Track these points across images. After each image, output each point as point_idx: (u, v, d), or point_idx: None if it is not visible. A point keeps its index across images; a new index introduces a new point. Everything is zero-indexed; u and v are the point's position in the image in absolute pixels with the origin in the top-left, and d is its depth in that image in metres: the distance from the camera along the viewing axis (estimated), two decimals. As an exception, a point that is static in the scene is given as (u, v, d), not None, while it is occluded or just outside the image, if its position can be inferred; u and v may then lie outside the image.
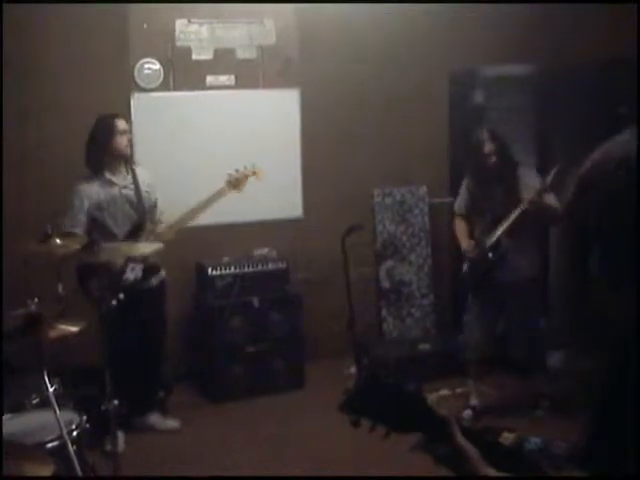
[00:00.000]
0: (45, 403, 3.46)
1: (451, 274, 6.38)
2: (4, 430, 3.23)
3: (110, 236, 4.49)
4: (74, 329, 2.91)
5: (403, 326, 6.27)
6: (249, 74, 5.76)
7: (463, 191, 4.94)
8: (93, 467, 3.39)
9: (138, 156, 5.35)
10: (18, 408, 3.45)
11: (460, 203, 4.97)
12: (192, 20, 5.60)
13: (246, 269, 5.45)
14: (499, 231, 4.60)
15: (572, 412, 4.77)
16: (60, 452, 3.11)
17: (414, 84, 6.07)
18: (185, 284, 5.48)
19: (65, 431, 2.96)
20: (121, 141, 4.61)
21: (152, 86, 5.55)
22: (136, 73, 5.51)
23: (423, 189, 6.29)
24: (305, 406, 5.25)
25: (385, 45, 5.98)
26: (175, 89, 5.61)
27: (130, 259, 4.40)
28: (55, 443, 3.15)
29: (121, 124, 4.65)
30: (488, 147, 4.60)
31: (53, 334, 2.85)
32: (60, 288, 3.43)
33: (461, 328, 5.89)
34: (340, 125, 5.99)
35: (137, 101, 5.52)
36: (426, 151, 6.22)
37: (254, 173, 4.77)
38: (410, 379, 5.57)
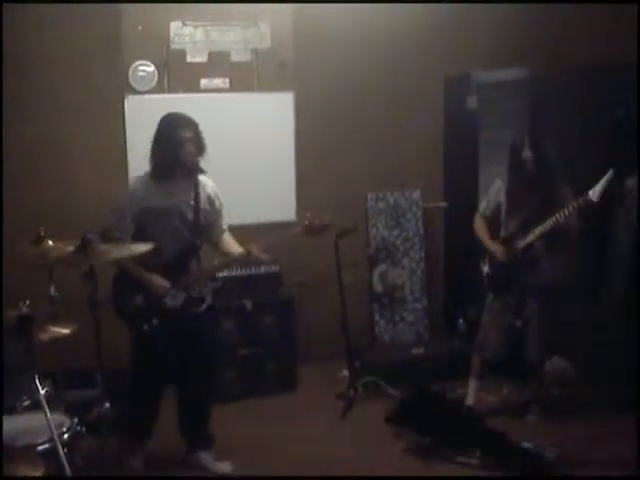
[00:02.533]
0: (36, 405, 3.45)
1: (445, 278, 6.40)
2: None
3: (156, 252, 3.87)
4: (65, 331, 2.90)
5: (395, 330, 6.27)
6: (244, 77, 5.75)
7: (493, 192, 4.93)
8: (83, 470, 3.37)
9: (131, 159, 5.41)
10: (9, 410, 3.44)
11: (486, 205, 4.95)
12: (187, 23, 5.59)
13: (239, 272, 5.45)
14: (533, 235, 4.61)
15: (564, 418, 4.84)
16: (51, 455, 3.10)
17: (409, 88, 6.08)
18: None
19: (56, 433, 2.95)
20: (187, 149, 4.08)
21: (146, 88, 5.53)
22: (130, 75, 5.50)
23: (417, 193, 6.30)
24: (297, 409, 5.26)
25: (380, 49, 5.98)
26: (169, 91, 5.59)
27: (174, 285, 4.13)
28: (46, 446, 3.14)
29: (188, 131, 4.11)
30: (528, 152, 4.59)
31: (44, 336, 2.85)
32: (52, 290, 3.42)
33: (454, 332, 5.94)
34: (334, 128, 6.00)
35: (131, 103, 5.50)
36: (420, 155, 6.23)
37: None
38: (403, 383, 5.63)
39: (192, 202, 4.21)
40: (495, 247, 4.82)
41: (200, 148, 4.16)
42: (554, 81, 5.75)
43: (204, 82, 5.70)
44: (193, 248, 4.25)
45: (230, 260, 4.40)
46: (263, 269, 5.52)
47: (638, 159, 5.17)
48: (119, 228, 4.03)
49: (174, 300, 4.15)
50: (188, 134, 4.10)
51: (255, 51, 5.76)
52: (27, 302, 2.88)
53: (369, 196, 6.21)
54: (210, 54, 5.67)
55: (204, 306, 4.27)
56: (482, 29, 6.05)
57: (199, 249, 4.29)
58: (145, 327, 4.04)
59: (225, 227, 4.43)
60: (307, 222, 4.22)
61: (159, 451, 4.49)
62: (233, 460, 4.45)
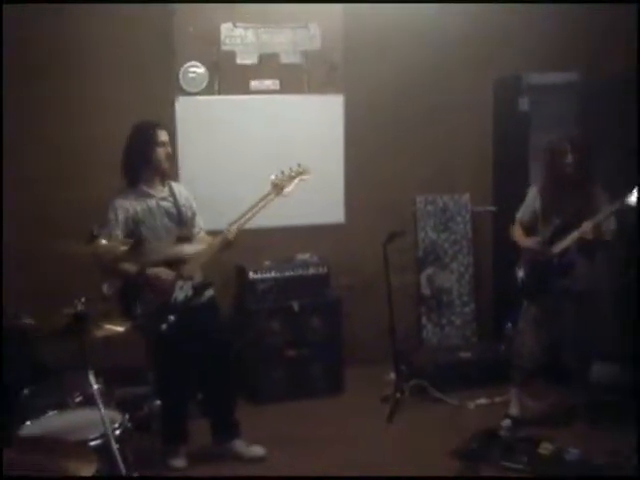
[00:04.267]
0: (88, 401, 3.50)
1: (493, 282, 6.34)
2: (47, 426, 3.28)
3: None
4: (120, 329, 2.94)
5: (443, 334, 6.23)
6: (294, 79, 5.77)
7: (530, 198, 4.87)
8: (133, 467, 3.40)
9: (182, 160, 5.47)
10: (61, 406, 3.49)
11: (525, 210, 4.89)
12: (237, 24, 5.62)
13: (287, 273, 5.46)
14: (569, 239, 4.54)
15: (611, 424, 4.75)
16: (103, 450, 3.13)
17: (458, 90, 6.05)
18: (224, 287, 5.44)
19: (110, 429, 2.97)
20: (161, 153, 4.31)
21: (197, 90, 5.59)
22: (181, 77, 5.55)
23: (466, 197, 6.26)
24: (343, 411, 5.24)
25: (430, 51, 5.96)
26: (220, 93, 5.64)
27: (178, 277, 4.20)
28: (98, 441, 3.17)
29: (162, 135, 4.35)
30: (569, 156, 4.54)
31: (99, 333, 2.88)
32: (105, 288, 3.47)
33: (502, 337, 5.86)
34: (384, 131, 5.98)
35: (182, 105, 5.55)
36: (469, 159, 6.19)
37: (300, 173, 4.52)
38: (449, 387, 5.56)
39: (170, 198, 4.39)
40: (529, 241, 4.76)
41: (171, 152, 4.42)
42: (601, 86, 5.67)
43: (254, 84, 5.72)
44: (185, 238, 4.36)
45: (217, 242, 4.38)
46: (311, 270, 5.53)
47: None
48: (110, 238, 4.04)
49: (182, 292, 4.23)
50: (161, 137, 4.32)
51: (305, 53, 5.77)
52: (82, 300, 2.92)
53: (418, 199, 6.18)
54: (260, 56, 5.69)
55: (210, 292, 4.40)
56: (531, 32, 6.00)
57: (190, 239, 4.40)
58: (164, 327, 4.03)
59: (200, 229, 4.55)
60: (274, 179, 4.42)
61: (199, 447, 4.59)
62: (280, 458, 4.47)
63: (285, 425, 4.98)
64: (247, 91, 5.70)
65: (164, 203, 4.38)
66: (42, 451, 2.85)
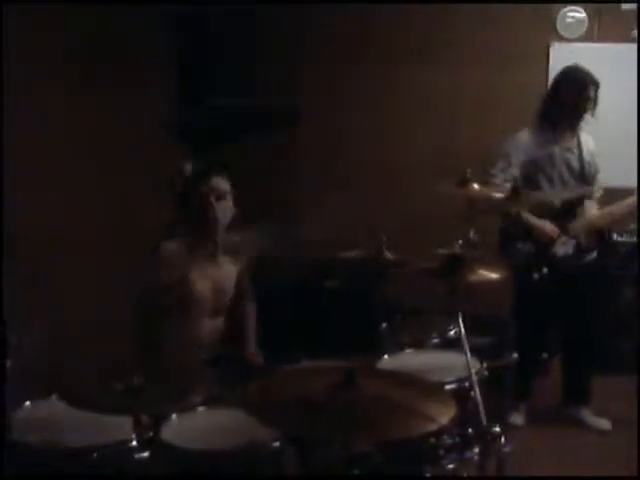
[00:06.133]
0: (445, 344, 3.49)
1: None
2: (404, 363, 3.31)
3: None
4: (495, 276, 2.86)
5: None
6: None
7: None
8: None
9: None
10: (418, 345, 3.51)
11: None
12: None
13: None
14: None
15: None
16: (457, 396, 3.09)
17: None
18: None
19: (473, 373, 2.92)
20: (587, 106, 4.16)
21: (574, 36, 5.31)
22: (558, 21, 5.29)
23: None
24: None
25: None
26: (598, 40, 5.28)
27: (563, 232, 4.15)
28: (454, 385, 3.14)
29: (591, 90, 4.14)
30: None
31: (473, 278, 2.83)
32: (472, 233, 3.41)
33: None
34: None
35: (556, 51, 5.29)
36: None
37: None
38: None
39: (576, 150, 4.23)
40: None
41: (594, 108, 4.19)
42: None
43: (635, 32, 5.27)
44: (581, 200, 4.22)
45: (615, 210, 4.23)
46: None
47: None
48: (505, 174, 4.11)
49: (564, 248, 4.13)
50: (591, 93, 4.14)
51: None
52: (460, 242, 2.88)
53: None
54: (648, 2, 5.22)
55: (594, 255, 4.25)
56: None
57: (586, 198, 4.25)
58: (536, 276, 3.99)
59: (600, 188, 4.32)
60: None
61: (538, 407, 4.52)
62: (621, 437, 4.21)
63: (631, 400, 4.64)
64: (628, 39, 5.27)
65: (568, 154, 4.22)
66: (399, 386, 2.88)
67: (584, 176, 4.24)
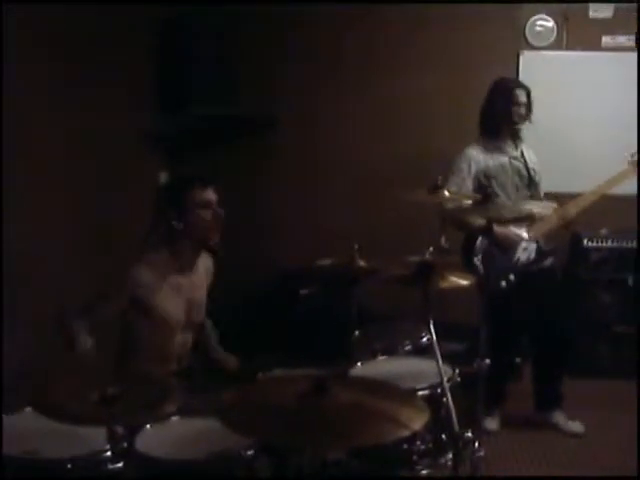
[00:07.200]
0: (417, 351, 3.51)
1: None
2: (377, 370, 3.33)
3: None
4: (465, 282, 2.89)
5: None
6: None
7: None
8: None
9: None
10: (391, 352, 3.53)
11: None
12: (593, -27, 5.28)
13: (624, 244, 5.15)
14: None
15: None
16: (430, 402, 3.11)
17: None
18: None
19: (445, 379, 2.94)
20: (519, 111, 4.27)
21: (543, 44, 5.37)
22: (527, 30, 5.35)
23: None
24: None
25: None
26: (567, 48, 5.35)
27: (523, 238, 4.20)
28: (426, 392, 3.15)
29: (522, 95, 4.27)
30: None
31: (443, 284, 2.85)
32: (443, 240, 3.44)
33: None
34: None
35: (526, 59, 5.36)
36: None
37: None
38: None
39: (521, 159, 4.34)
40: None
41: (529, 114, 4.30)
42: None
43: (605, 39, 5.35)
44: (535, 201, 4.33)
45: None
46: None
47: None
48: (460, 188, 4.17)
49: (525, 253, 4.19)
50: (522, 98, 4.24)
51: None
52: (431, 249, 2.90)
53: None
54: (616, 9, 5.29)
55: (552, 259, 4.31)
56: None
57: (538, 201, 4.36)
58: (503, 284, 4.04)
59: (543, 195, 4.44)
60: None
61: (512, 411, 4.55)
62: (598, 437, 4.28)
63: (605, 404, 4.72)
64: (598, 47, 5.35)
65: (516, 162, 4.34)
66: (371, 393, 2.89)
67: (532, 182, 4.36)
